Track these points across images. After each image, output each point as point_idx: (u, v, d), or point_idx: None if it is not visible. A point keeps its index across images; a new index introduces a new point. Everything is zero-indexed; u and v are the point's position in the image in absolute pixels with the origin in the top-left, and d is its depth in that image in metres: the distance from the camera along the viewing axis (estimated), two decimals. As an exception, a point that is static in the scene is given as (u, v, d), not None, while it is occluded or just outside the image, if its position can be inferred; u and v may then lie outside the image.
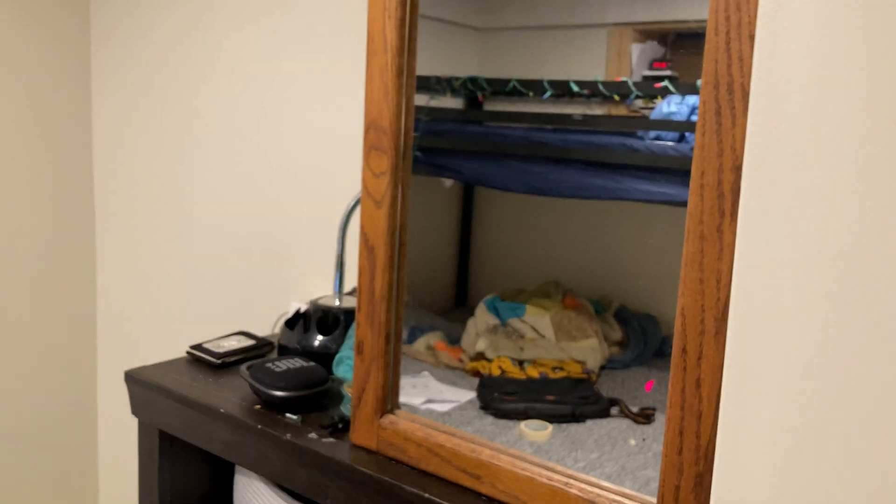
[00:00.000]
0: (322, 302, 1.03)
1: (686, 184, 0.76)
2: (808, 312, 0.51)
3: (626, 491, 0.64)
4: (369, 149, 0.76)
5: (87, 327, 1.64)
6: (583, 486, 0.65)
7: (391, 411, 0.79)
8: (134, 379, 0.96)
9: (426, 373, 0.87)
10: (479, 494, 0.71)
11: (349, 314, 1.01)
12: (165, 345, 1.51)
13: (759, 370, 0.53)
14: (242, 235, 1.37)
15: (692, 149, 0.76)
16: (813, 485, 0.51)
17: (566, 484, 0.66)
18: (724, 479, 0.55)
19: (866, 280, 0.49)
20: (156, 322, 1.53)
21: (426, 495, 0.71)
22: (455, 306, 0.95)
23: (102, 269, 1.63)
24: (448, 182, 0.95)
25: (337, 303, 1.03)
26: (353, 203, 1.02)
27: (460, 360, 0.85)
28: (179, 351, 1.47)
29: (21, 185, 1.51)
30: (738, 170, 0.56)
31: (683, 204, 0.75)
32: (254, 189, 1.34)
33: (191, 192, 1.44)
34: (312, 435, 0.82)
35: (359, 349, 0.79)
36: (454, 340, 0.88)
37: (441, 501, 0.70)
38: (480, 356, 0.85)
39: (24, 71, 1.48)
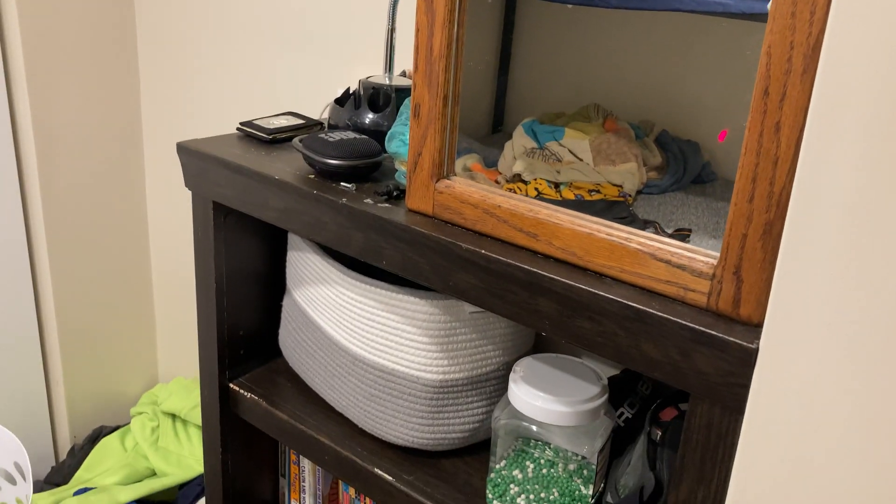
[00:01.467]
0: (372, 80, 1.01)
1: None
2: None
3: (688, 245, 0.63)
4: None
5: (132, 110, 1.64)
6: (643, 240, 0.65)
7: (447, 176, 0.78)
8: (186, 150, 0.97)
9: None
10: (536, 252, 0.71)
11: (401, 92, 0.98)
12: (209, 130, 1.51)
13: (848, 111, 0.50)
14: (285, 21, 1.32)
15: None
16: (893, 229, 0.50)
17: (626, 239, 0.66)
18: (798, 225, 0.54)
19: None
20: (198, 109, 1.52)
21: (482, 252, 0.71)
22: (492, 132, 0.92)
23: (144, 51, 1.60)
24: None
25: (388, 81, 1.00)
26: (405, -27, 0.96)
27: (497, 182, 0.84)
28: (222, 132, 1.47)
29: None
30: None
31: (741, 15, 0.69)
32: (297, -29, 1.28)
33: (231, -23, 1.38)
34: (368, 200, 0.82)
35: (415, 112, 0.77)
36: (491, 163, 0.86)
37: (497, 257, 0.70)
38: (517, 178, 0.83)
39: None
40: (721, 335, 0.58)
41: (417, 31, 0.75)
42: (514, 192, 0.80)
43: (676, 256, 0.63)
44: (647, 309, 0.62)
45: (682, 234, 0.74)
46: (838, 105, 0.51)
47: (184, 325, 1.76)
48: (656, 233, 0.74)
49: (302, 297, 1.01)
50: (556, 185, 0.81)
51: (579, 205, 0.79)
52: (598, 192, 0.80)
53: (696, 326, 0.59)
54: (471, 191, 0.76)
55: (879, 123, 0.49)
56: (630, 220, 0.76)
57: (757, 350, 0.57)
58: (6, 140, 1.48)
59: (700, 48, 0.78)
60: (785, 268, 0.55)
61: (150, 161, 1.68)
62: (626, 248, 0.66)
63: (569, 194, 0.80)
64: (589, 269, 0.68)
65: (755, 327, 0.59)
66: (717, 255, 0.61)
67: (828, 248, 0.53)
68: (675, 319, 0.60)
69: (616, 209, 0.78)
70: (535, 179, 0.81)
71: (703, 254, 0.62)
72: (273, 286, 1.10)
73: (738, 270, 0.59)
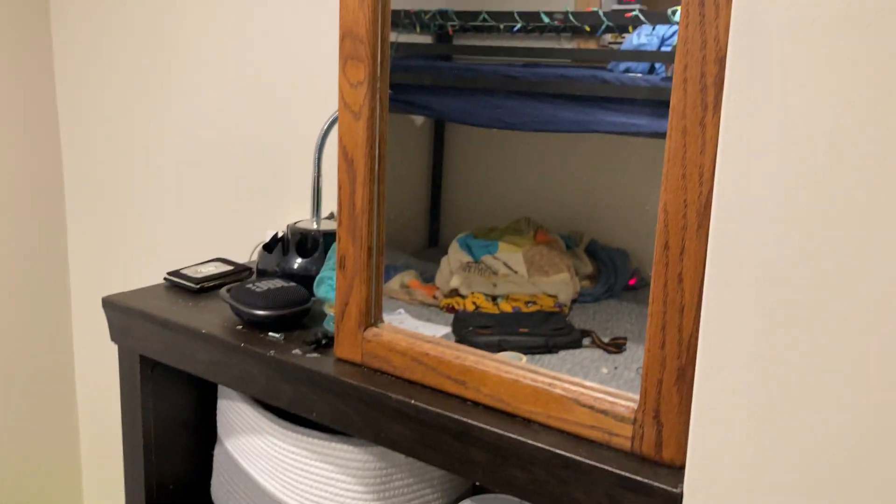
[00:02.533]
0: (300, 225, 1.02)
1: (657, 115, 0.76)
2: (792, 202, 0.52)
3: (610, 389, 0.65)
4: (346, 59, 0.75)
5: (59, 259, 1.61)
6: (566, 385, 0.67)
7: (374, 324, 0.79)
8: (112, 304, 0.96)
9: (401, 310, 0.87)
10: (465, 399, 0.72)
11: (328, 236, 1.00)
12: (138, 277, 1.50)
13: (742, 261, 0.54)
14: (214, 166, 1.35)
15: (663, 79, 0.76)
16: (797, 369, 0.53)
17: (550, 385, 0.67)
18: (707, 370, 0.56)
19: (850, 168, 0.50)
20: (127, 255, 1.51)
21: (412, 402, 0.72)
22: (428, 246, 0.95)
23: (71, 200, 1.60)
24: (419, 119, 0.94)
25: (315, 226, 1.02)
26: (328, 123, 1.00)
27: (434, 298, 0.86)
28: (154, 280, 1.45)
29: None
30: (721, 62, 0.55)
31: (654, 135, 0.75)
32: (225, 116, 1.32)
33: (160, 121, 1.41)
34: (296, 351, 0.82)
35: (341, 264, 0.79)
36: (428, 279, 0.88)
37: (427, 407, 0.71)
38: (454, 293, 0.85)
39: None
40: (646, 480, 0.59)
41: (340, 188, 0.77)
42: (453, 307, 0.82)
43: (599, 401, 0.64)
44: (575, 456, 0.63)
45: (618, 343, 0.76)
46: (732, 257, 0.54)
47: (114, 478, 1.68)
48: (594, 342, 0.76)
49: (234, 446, 0.98)
50: (494, 299, 0.83)
51: (518, 317, 0.80)
52: (534, 303, 0.82)
53: (622, 472, 0.60)
54: (398, 338, 0.77)
55: (770, 272, 0.53)
56: (567, 330, 0.78)
57: (681, 494, 0.58)
58: (-77, 291, 1.43)
59: (621, 161, 0.83)
60: (700, 411, 0.57)
61: (77, 312, 1.64)
62: (550, 394, 0.67)
63: (506, 307, 0.82)
64: (517, 415, 0.69)
65: (678, 470, 0.61)
66: (637, 398, 0.63)
67: (738, 389, 0.55)
68: (601, 466, 0.61)
69: (553, 320, 0.80)
70: (473, 293, 0.82)
71: (624, 398, 0.64)
72: (204, 435, 1.07)
73: (657, 415, 0.61)
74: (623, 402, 0.63)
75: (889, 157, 0.49)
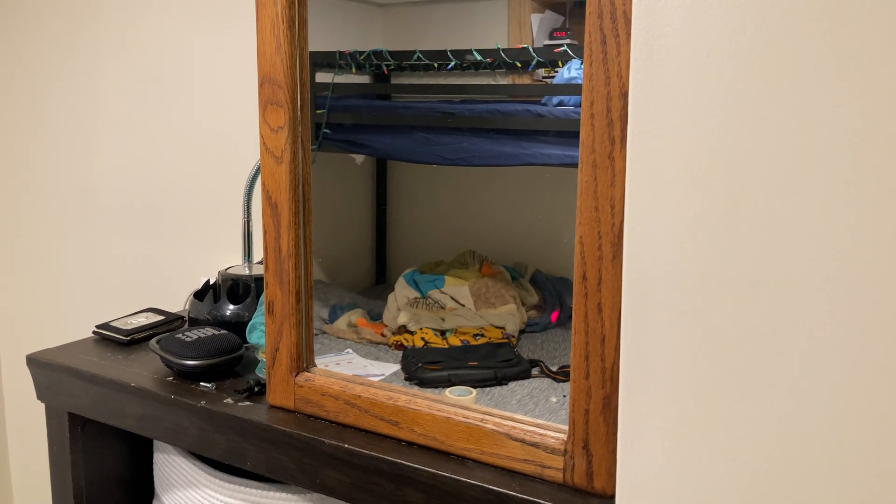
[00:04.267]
0: (231, 271, 1.01)
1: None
2: (699, 230, 0.53)
3: (540, 421, 0.66)
4: (265, 104, 0.75)
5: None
6: (497, 420, 0.67)
7: (306, 369, 0.78)
8: (37, 362, 0.93)
9: (349, 350, 0.87)
10: (399, 440, 0.72)
11: (260, 281, 0.99)
12: (70, 329, 1.45)
13: (655, 290, 0.55)
14: (144, 214, 1.32)
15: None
16: (715, 393, 0.54)
17: (482, 420, 0.67)
18: (630, 398, 0.57)
19: (753, 194, 0.52)
20: (58, 307, 1.47)
21: (346, 446, 0.71)
22: (375, 284, 0.95)
23: (-1, 260, 1.55)
24: (359, 158, 0.95)
25: (247, 271, 1.01)
26: (255, 168, 1.00)
27: (383, 335, 0.85)
28: (85, 333, 1.41)
29: None
30: (625, 97, 0.57)
31: None
32: (153, 164, 1.30)
33: (88, 171, 1.38)
34: (228, 400, 0.81)
35: (269, 309, 0.78)
36: (376, 317, 0.88)
37: (360, 450, 0.70)
38: (403, 329, 0.85)
39: None
40: (579, 511, 0.60)
41: (265, 232, 0.77)
42: (402, 343, 0.81)
43: (530, 434, 0.65)
44: (508, 491, 0.63)
45: (565, 372, 0.77)
46: (646, 285, 0.56)
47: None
48: (542, 372, 0.76)
49: (171, 502, 0.96)
50: (442, 333, 0.83)
51: (466, 350, 0.80)
52: (482, 335, 0.82)
53: (555, 505, 0.61)
54: (331, 382, 0.76)
55: (683, 298, 0.54)
56: (516, 361, 0.78)
57: (613, 524, 0.58)
58: None
59: (560, 192, 0.84)
60: (625, 439, 0.58)
61: (6, 370, 1.58)
62: (482, 430, 0.67)
63: (455, 341, 0.82)
64: (451, 453, 0.69)
65: (610, 499, 0.61)
66: (567, 429, 0.63)
67: (659, 415, 0.56)
68: (534, 500, 0.61)
69: (501, 352, 0.80)
70: (421, 329, 0.82)
71: (553, 429, 0.64)
72: (142, 491, 1.04)
73: (586, 445, 0.62)
74: (553, 434, 0.64)
75: (790, 181, 0.51)
